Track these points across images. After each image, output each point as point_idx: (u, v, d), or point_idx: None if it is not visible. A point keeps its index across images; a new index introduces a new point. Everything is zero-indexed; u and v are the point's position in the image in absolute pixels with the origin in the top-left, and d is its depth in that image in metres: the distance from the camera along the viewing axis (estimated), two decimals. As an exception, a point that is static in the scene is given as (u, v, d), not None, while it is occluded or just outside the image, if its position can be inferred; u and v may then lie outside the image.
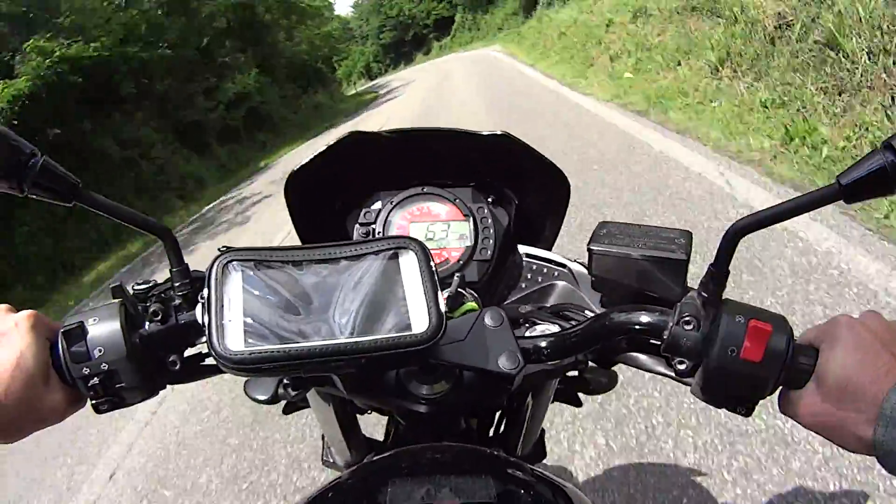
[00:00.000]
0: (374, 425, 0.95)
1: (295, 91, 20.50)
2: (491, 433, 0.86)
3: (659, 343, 0.53)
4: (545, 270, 0.76)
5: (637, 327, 0.53)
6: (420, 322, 0.47)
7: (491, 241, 0.76)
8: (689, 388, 0.53)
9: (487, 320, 0.56)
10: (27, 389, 0.48)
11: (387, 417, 0.90)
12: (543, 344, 0.57)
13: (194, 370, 0.57)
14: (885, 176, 0.41)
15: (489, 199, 0.78)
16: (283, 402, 0.79)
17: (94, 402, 0.52)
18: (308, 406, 0.81)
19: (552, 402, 0.83)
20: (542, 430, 0.91)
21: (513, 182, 0.79)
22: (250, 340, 0.45)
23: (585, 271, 0.74)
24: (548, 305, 0.69)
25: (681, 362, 0.52)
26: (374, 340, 0.46)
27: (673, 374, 0.54)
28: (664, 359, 0.55)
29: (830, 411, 0.45)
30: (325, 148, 0.71)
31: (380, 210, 0.77)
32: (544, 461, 0.97)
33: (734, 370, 0.48)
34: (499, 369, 0.54)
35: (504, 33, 28.98)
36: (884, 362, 0.44)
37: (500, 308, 0.58)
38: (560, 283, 0.74)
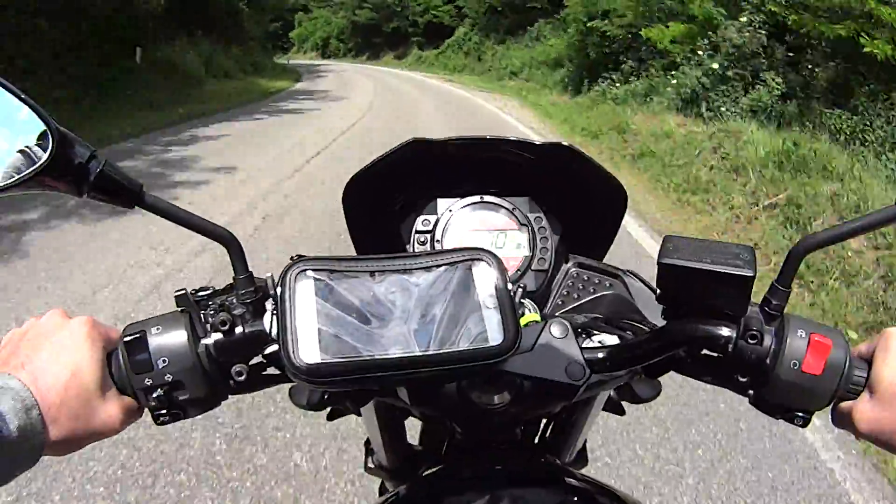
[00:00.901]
0: (411, 432, 0.95)
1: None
2: (536, 440, 0.86)
3: (718, 355, 0.54)
4: (598, 280, 0.76)
5: (702, 340, 0.54)
6: (496, 334, 0.47)
7: (548, 251, 0.76)
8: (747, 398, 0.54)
9: (553, 331, 0.57)
10: (83, 402, 0.46)
11: (428, 425, 0.90)
12: (607, 355, 0.58)
13: (258, 380, 0.57)
14: None
15: (545, 209, 0.79)
16: (329, 409, 0.79)
17: (154, 412, 0.51)
18: (357, 414, 0.82)
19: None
20: (585, 439, 0.91)
21: (569, 191, 0.79)
22: (325, 351, 0.45)
23: (637, 282, 0.74)
24: (603, 315, 0.69)
25: (742, 375, 0.54)
26: (452, 353, 0.46)
27: (732, 386, 0.55)
28: (723, 371, 0.55)
29: (885, 417, 0.47)
30: (384, 153, 0.71)
31: (438, 218, 0.77)
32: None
33: (795, 383, 0.50)
34: (565, 380, 0.54)
35: (526, 86, 17.01)
36: None
37: (563, 318, 0.58)
38: (613, 294, 0.74)
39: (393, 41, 40.38)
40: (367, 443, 0.92)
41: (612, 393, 0.82)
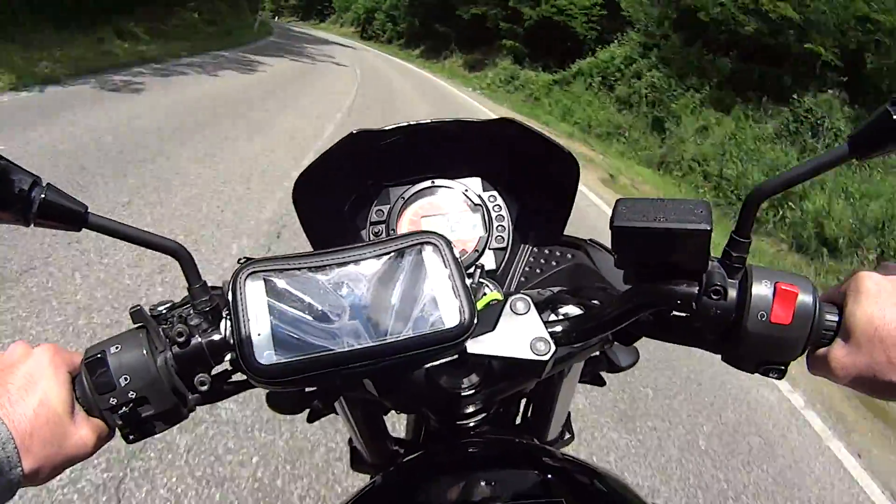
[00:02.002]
0: (397, 426, 0.95)
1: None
2: (518, 420, 0.86)
3: (686, 315, 0.53)
4: (559, 253, 0.76)
5: (664, 301, 0.53)
6: (451, 316, 0.47)
7: (504, 229, 0.76)
8: (720, 356, 0.54)
9: (515, 308, 0.56)
10: (54, 429, 0.46)
11: (409, 416, 0.90)
12: (571, 326, 0.57)
13: (224, 388, 0.56)
14: (892, 127, 0.42)
15: (498, 188, 0.78)
16: (308, 411, 0.78)
17: (122, 431, 0.51)
18: (334, 412, 0.81)
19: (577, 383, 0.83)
20: (569, 413, 0.91)
21: (520, 167, 0.78)
22: (280, 351, 0.44)
23: (600, 250, 0.74)
24: (567, 288, 0.68)
25: (711, 332, 0.53)
26: (408, 339, 0.45)
27: (703, 345, 0.55)
28: (693, 330, 0.55)
29: (861, 361, 0.46)
30: (327, 149, 0.70)
31: (390, 207, 0.76)
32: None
33: (766, 335, 0.49)
34: (531, 356, 0.54)
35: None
36: None
37: (525, 295, 0.57)
38: (575, 265, 0.74)
39: (439, 42, 24.04)
40: (351, 441, 0.91)
41: (588, 365, 0.82)
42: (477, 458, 0.56)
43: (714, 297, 0.50)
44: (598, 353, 0.78)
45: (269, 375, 0.43)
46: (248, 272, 0.47)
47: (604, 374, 0.88)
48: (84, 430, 0.49)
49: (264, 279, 0.48)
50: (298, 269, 0.48)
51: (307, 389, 0.69)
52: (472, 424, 0.69)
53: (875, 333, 0.45)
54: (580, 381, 0.84)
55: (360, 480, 1.02)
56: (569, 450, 0.90)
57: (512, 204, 0.78)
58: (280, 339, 0.45)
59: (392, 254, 0.50)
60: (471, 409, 0.65)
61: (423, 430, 0.79)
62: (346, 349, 0.45)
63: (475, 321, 0.47)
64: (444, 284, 0.48)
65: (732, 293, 0.51)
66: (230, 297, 0.47)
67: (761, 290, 0.49)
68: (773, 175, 0.51)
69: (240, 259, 0.50)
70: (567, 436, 0.92)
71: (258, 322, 0.45)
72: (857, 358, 0.47)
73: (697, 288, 0.51)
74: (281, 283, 0.48)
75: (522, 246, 0.78)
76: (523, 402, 0.85)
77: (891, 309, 0.45)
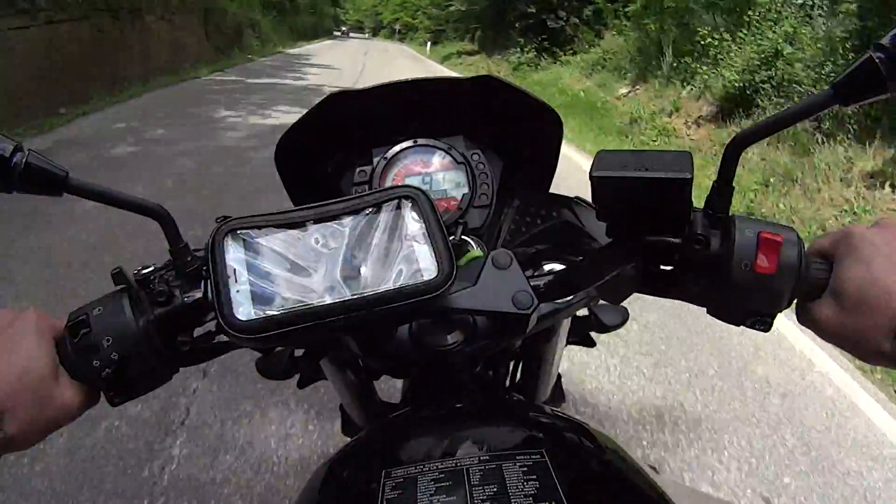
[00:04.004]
0: (392, 392, 0.95)
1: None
2: (508, 383, 0.86)
3: (671, 268, 0.52)
4: (545, 211, 0.75)
5: (646, 252, 0.53)
6: (430, 269, 0.46)
7: (488, 187, 0.75)
8: (705, 309, 0.53)
9: (496, 262, 0.56)
10: (37, 392, 0.47)
11: (402, 381, 0.90)
12: (554, 280, 0.57)
13: (207, 349, 0.56)
14: (876, 74, 0.41)
15: (482, 145, 0.77)
16: (298, 376, 0.79)
17: (108, 394, 0.51)
18: (323, 377, 0.81)
19: (566, 344, 0.83)
20: (559, 375, 0.92)
21: (503, 125, 0.77)
22: (259, 308, 0.44)
23: (586, 208, 0.73)
24: (552, 244, 0.68)
25: (695, 283, 0.52)
26: (386, 292, 0.45)
27: (689, 298, 0.54)
28: (678, 283, 0.54)
29: (848, 322, 0.45)
30: (309, 110, 0.69)
31: (374, 168, 0.75)
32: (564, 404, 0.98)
33: (749, 285, 0.48)
34: (513, 310, 0.53)
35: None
36: None
37: (506, 250, 0.57)
38: (561, 222, 0.74)
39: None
40: (342, 406, 0.92)
41: (576, 325, 0.82)
42: (461, 413, 0.56)
43: (697, 247, 0.50)
44: (586, 312, 0.78)
45: (247, 332, 0.43)
46: (226, 230, 0.47)
47: (593, 334, 0.88)
48: (68, 392, 0.49)
49: (243, 237, 0.47)
50: (276, 225, 0.48)
51: (295, 353, 0.69)
52: (460, 384, 0.69)
53: (863, 297, 0.44)
54: (569, 342, 0.84)
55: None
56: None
57: (496, 162, 0.78)
58: (258, 295, 0.45)
59: (370, 208, 0.49)
60: (459, 368, 0.65)
61: (410, 391, 0.79)
62: (325, 303, 0.44)
63: (454, 272, 0.46)
64: (422, 238, 0.48)
65: (715, 243, 0.50)
66: (209, 257, 0.46)
67: (744, 238, 0.48)
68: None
69: (217, 218, 0.50)
70: (558, 397, 0.93)
71: (236, 279, 0.45)
72: (843, 318, 0.46)
73: (680, 239, 0.51)
74: (259, 240, 0.47)
75: (507, 204, 0.78)
76: (513, 363, 0.86)
77: (882, 273, 0.44)
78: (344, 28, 62.92)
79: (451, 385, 0.68)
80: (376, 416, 0.85)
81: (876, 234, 0.47)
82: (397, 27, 55.68)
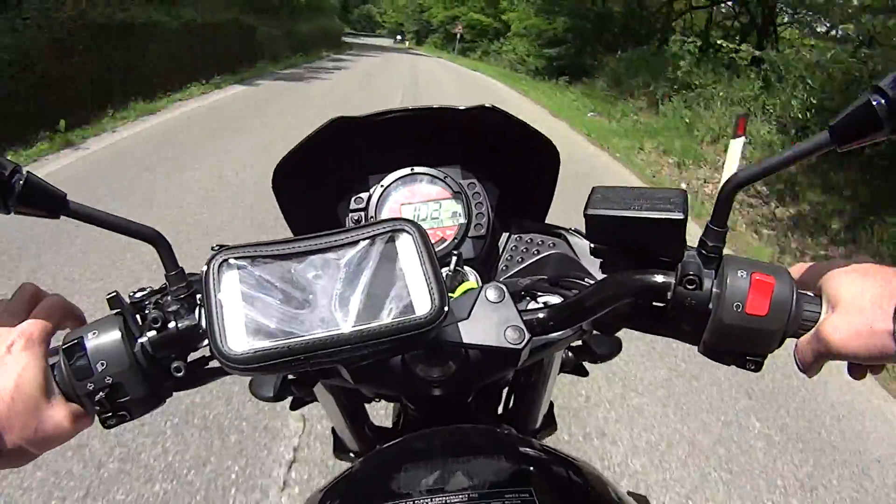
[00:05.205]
0: (383, 416, 0.95)
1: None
2: (500, 410, 0.86)
3: (663, 305, 0.52)
4: (541, 241, 0.76)
5: (639, 290, 0.53)
6: (423, 304, 0.46)
7: (484, 217, 0.75)
8: (696, 347, 0.53)
9: (489, 296, 0.56)
10: (30, 411, 0.47)
11: (395, 404, 0.90)
12: (547, 315, 0.57)
13: (200, 374, 0.57)
14: (873, 116, 0.41)
15: (478, 175, 0.78)
16: (290, 398, 0.79)
17: (101, 417, 0.51)
18: (315, 400, 0.81)
19: (558, 373, 0.83)
20: (551, 403, 0.92)
21: (501, 155, 0.78)
22: (252, 338, 0.44)
23: (582, 239, 0.74)
24: (547, 276, 0.68)
25: (686, 322, 0.52)
26: (378, 327, 0.45)
27: (681, 336, 0.54)
28: (670, 320, 0.55)
29: (847, 338, 0.45)
30: (307, 136, 0.69)
31: (370, 195, 0.76)
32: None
33: (741, 326, 0.47)
34: (505, 345, 0.54)
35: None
36: (885, 282, 0.45)
37: (500, 283, 0.57)
38: (557, 253, 0.74)
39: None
40: (334, 428, 0.92)
41: (569, 354, 0.82)
42: (451, 446, 0.56)
43: (689, 287, 0.49)
44: (579, 342, 0.78)
45: (241, 363, 0.44)
46: (220, 260, 0.48)
47: (586, 364, 0.88)
48: (62, 413, 0.49)
49: (238, 267, 0.48)
50: (272, 256, 0.49)
51: (288, 376, 0.69)
52: (452, 413, 0.69)
53: (857, 319, 0.45)
54: (562, 371, 0.84)
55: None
56: (553, 440, 0.91)
57: (492, 191, 0.78)
58: (252, 326, 0.45)
59: (365, 241, 0.50)
60: (450, 398, 0.65)
61: (402, 417, 0.79)
62: (317, 336, 0.45)
63: (446, 309, 0.47)
64: (415, 272, 0.48)
65: (708, 283, 0.50)
66: (203, 286, 0.47)
67: (736, 280, 0.48)
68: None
69: (213, 246, 0.50)
70: (549, 426, 0.93)
71: (231, 310, 0.45)
72: (842, 340, 0.46)
73: (673, 278, 0.51)
74: (254, 270, 0.48)
75: (504, 234, 0.78)
76: (505, 390, 0.85)
77: (872, 293, 0.45)
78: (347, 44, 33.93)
79: (442, 413, 0.68)
80: (368, 440, 0.85)
81: (857, 263, 0.48)
82: (459, 32, 32.27)
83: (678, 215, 0.49)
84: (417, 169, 0.77)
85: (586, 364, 0.86)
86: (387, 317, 0.46)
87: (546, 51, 17.97)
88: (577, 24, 16.76)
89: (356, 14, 77.76)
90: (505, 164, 0.78)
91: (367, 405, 0.88)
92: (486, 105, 0.70)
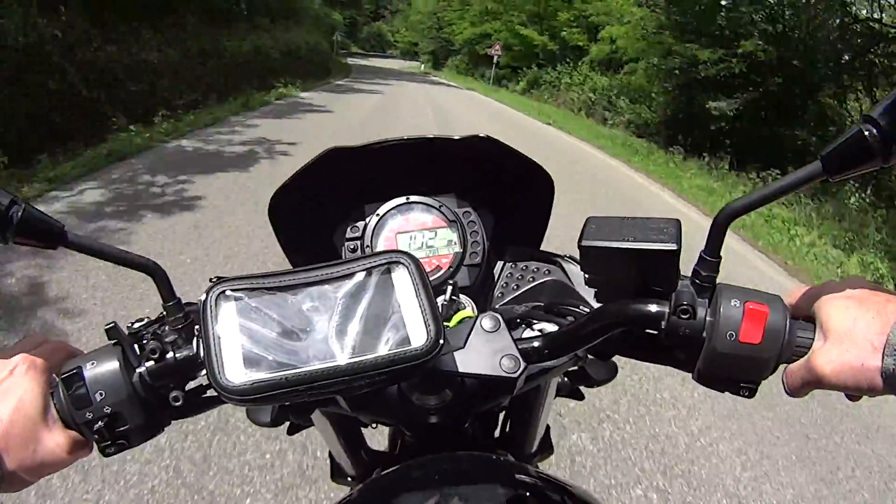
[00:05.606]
0: (378, 438, 0.95)
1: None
2: (497, 434, 0.86)
3: (657, 333, 0.53)
4: (536, 269, 0.77)
5: (633, 319, 0.53)
6: (419, 335, 0.47)
7: (479, 245, 0.76)
8: (690, 374, 0.54)
9: (484, 325, 0.56)
10: (29, 435, 0.48)
11: (390, 427, 0.90)
12: (542, 343, 0.58)
13: (198, 403, 0.57)
14: (865, 146, 0.41)
15: (474, 203, 0.79)
16: (287, 424, 0.79)
17: (99, 445, 0.52)
18: (312, 425, 0.81)
19: (555, 397, 0.84)
20: (548, 426, 0.92)
21: (495, 183, 0.79)
22: (250, 370, 0.45)
23: (577, 267, 0.75)
24: (542, 304, 0.69)
25: (681, 351, 0.52)
26: (374, 358, 0.46)
27: (675, 364, 0.55)
28: (664, 349, 0.55)
29: (837, 370, 0.45)
30: (303, 166, 0.70)
31: (366, 224, 0.77)
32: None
33: (735, 354, 0.48)
34: (500, 374, 0.54)
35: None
36: (877, 313, 0.45)
37: (496, 311, 0.58)
38: (552, 280, 0.75)
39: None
40: (331, 454, 0.92)
41: (566, 379, 0.82)
42: (450, 473, 0.56)
43: (683, 316, 0.50)
44: (575, 367, 0.79)
45: (239, 394, 0.44)
46: (218, 292, 0.48)
47: (582, 388, 0.88)
48: (61, 440, 0.50)
49: (235, 299, 0.48)
50: (269, 288, 0.49)
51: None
52: (449, 439, 0.69)
53: (848, 344, 0.45)
54: (558, 396, 0.84)
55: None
56: (547, 464, 0.91)
57: (488, 220, 0.79)
58: (250, 358, 0.45)
59: (361, 273, 0.50)
60: (447, 424, 0.66)
61: (399, 443, 0.79)
62: (314, 368, 0.45)
63: (441, 341, 0.47)
64: (411, 303, 0.49)
65: (701, 312, 0.50)
66: (201, 317, 0.47)
67: (730, 309, 0.48)
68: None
69: (211, 278, 0.51)
70: (546, 450, 0.93)
71: (228, 341, 0.46)
72: (834, 367, 0.46)
73: (667, 307, 0.51)
74: (251, 302, 0.48)
75: (499, 262, 0.79)
76: (502, 415, 0.86)
77: (863, 317, 0.45)
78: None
79: (439, 439, 0.68)
80: (365, 465, 0.85)
81: (849, 285, 0.49)
82: (497, 54, 23.86)
83: (672, 246, 0.50)
84: (413, 198, 0.77)
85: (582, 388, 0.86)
86: (383, 349, 0.46)
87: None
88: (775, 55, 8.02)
89: (365, 32, 71.99)
90: (500, 192, 0.79)
91: (363, 429, 0.88)
92: (481, 135, 0.71)
